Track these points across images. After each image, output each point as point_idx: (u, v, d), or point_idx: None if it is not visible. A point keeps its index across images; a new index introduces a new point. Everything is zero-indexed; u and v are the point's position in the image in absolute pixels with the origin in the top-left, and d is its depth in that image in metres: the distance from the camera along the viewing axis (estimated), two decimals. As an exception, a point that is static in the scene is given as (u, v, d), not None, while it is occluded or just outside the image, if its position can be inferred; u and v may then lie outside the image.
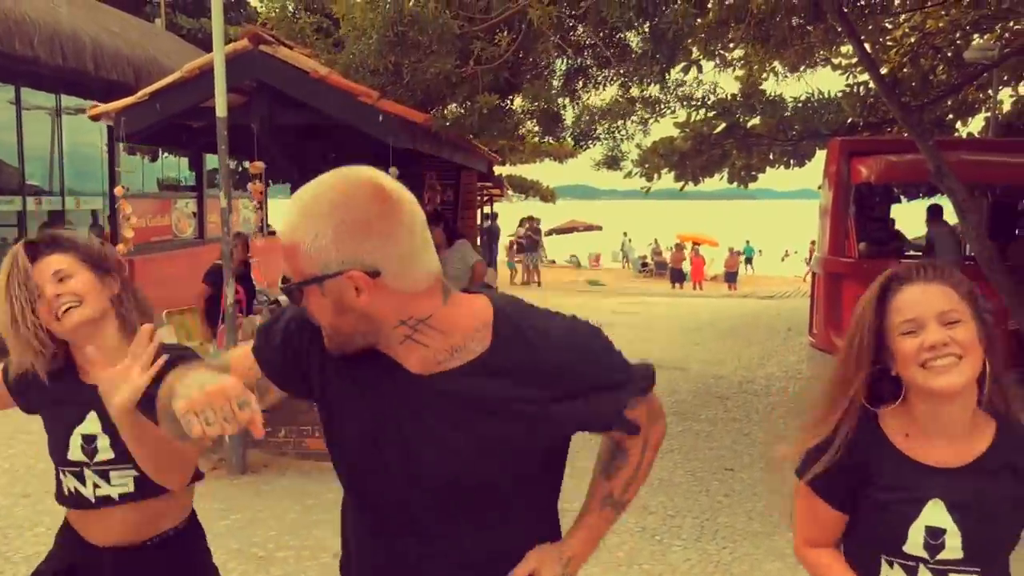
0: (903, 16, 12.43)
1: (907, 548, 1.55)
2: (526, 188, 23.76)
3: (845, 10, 8.65)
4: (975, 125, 15.48)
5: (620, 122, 8.29)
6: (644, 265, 32.12)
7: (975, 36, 12.52)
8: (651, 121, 8.39)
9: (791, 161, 14.31)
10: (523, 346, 1.37)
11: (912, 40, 12.76)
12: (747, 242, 32.80)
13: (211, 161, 15.32)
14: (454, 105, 6.25)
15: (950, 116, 14.21)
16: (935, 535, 1.54)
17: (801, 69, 13.02)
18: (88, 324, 1.88)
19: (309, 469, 5.42)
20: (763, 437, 6.36)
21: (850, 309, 8.03)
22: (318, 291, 1.31)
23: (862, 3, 9.43)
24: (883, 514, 1.58)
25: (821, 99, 9.64)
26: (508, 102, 6.17)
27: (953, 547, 1.53)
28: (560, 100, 7.33)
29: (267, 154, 5.65)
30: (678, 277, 26.70)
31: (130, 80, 11.46)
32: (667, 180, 13.26)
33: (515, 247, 22.99)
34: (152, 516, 1.95)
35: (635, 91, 8.12)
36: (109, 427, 1.82)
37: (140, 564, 1.95)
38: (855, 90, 12.43)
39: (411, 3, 5.03)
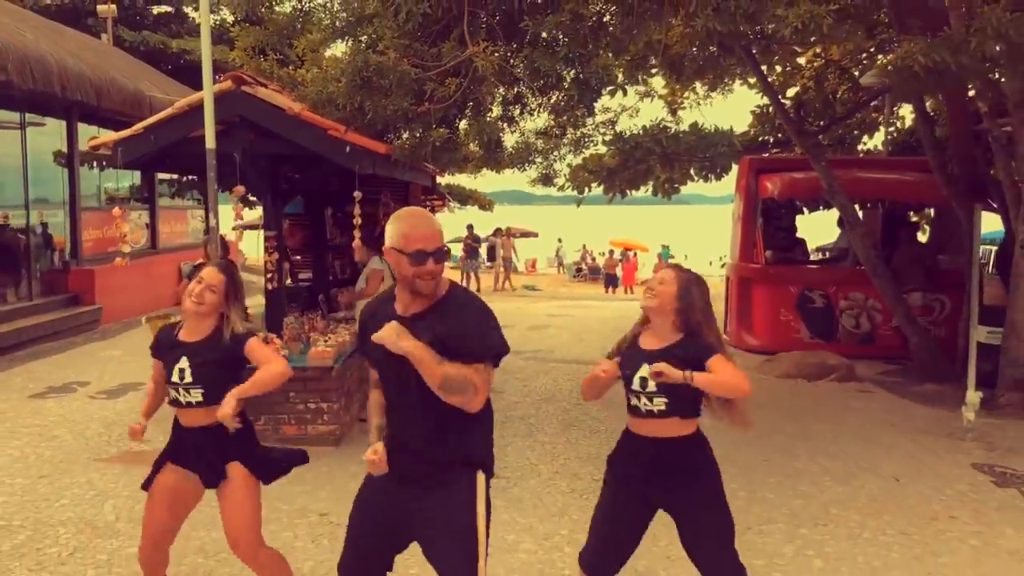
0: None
1: (633, 387, 3.23)
2: (465, 197, 24.65)
3: (750, 46, 9.84)
4: (877, 140, 16.80)
5: (552, 144, 9.35)
6: (579, 270, 33.34)
7: (880, 57, 13.80)
8: (585, 146, 9.49)
9: (709, 175, 15.50)
10: (457, 305, 2.86)
11: (816, 65, 14.01)
12: (663, 246, 34.12)
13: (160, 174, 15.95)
14: (406, 136, 7.19)
15: (855, 132, 15.57)
16: (643, 382, 3.21)
17: (718, 91, 14.28)
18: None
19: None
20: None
21: (759, 310, 9.48)
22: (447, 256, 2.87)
23: (763, 38, 10.55)
24: (626, 371, 3.27)
25: (725, 132, 10.75)
26: (455, 133, 7.13)
27: (652, 385, 3.18)
28: (500, 125, 8.33)
29: (246, 179, 6.50)
30: (611, 281, 27.94)
31: (92, 100, 12.12)
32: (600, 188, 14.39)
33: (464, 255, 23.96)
34: (209, 414, 3.38)
35: (564, 119, 9.18)
36: (192, 365, 3.40)
37: (205, 436, 3.44)
38: (764, 110, 13.68)
39: (375, 57, 5.97)
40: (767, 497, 5.51)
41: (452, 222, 27.53)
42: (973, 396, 6.92)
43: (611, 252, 30.87)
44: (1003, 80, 7.12)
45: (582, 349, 11.30)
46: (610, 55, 6.70)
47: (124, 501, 5.30)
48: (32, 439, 6.69)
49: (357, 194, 6.56)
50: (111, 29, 19.72)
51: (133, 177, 15.72)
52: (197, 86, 6.77)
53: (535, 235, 39.88)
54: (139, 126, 6.37)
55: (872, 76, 13.50)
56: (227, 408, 3.24)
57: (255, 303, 8.01)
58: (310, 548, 4.61)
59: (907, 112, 15.99)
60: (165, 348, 3.53)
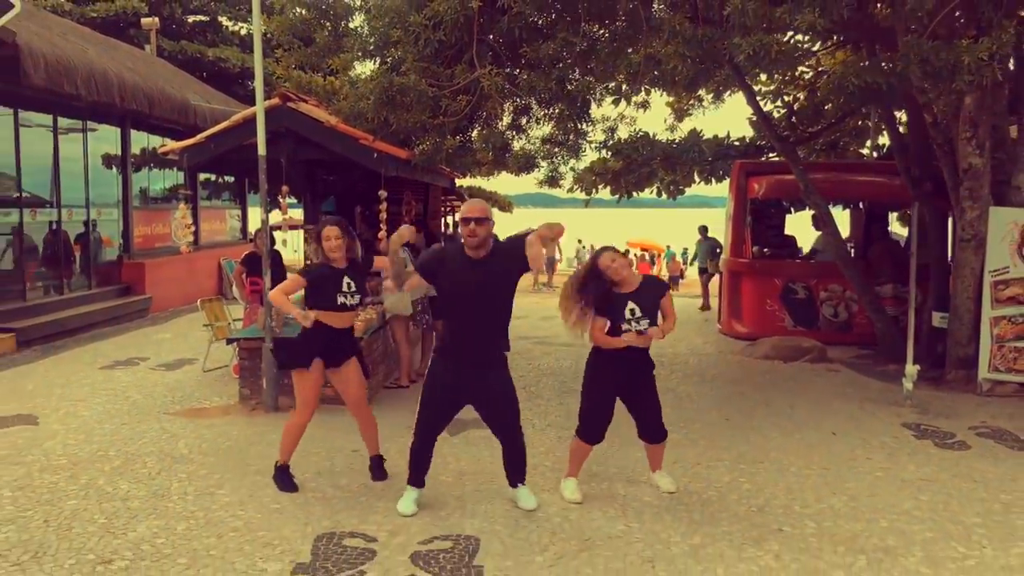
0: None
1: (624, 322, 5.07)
2: (484, 199, 25.87)
3: (737, 62, 10.94)
4: (867, 146, 17.76)
5: (557, 150, 10.53)
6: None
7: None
8: (581, 152, 10.66)
9: (710, 177, 16.59)
10: (500, 246, 4.82)
11: (809, 76, 15.06)
12: (667, 246, 35.11)
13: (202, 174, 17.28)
14: (426, 144, 8.39)
15: (845, 139, 16.59)
16: (633, 311, 5.06)
17: (711, 100, 15.37)
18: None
19: (322, 410, 7.49)
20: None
21: (748, 301, 10.80)
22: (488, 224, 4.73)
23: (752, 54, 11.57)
24: (615, 311, 5.08)
25: (724, 140, 11.87)
26: (468, 140, 8.33)
27: (640, 316, 5.03)
28: (509, 134, 9.52)
29: (290, 180, 7.74)
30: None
31: (145, 108, 13.45)
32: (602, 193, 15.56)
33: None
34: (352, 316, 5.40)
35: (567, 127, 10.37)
36: (353, 281, 5.33)
37: (349, 337, 5.37)
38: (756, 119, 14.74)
39: (399, 79, 7.18)
40: (720, 444, 6.64)
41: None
42: (911, 368, 8.02)
43: (626, 252, 31.97)
44: (931, 98, 8.19)
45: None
46: (590, 78, 7.85)
47: (192, 441, 6.54)
48: (110, 398, 7.96)
49: (382, 193, 7.77)
50: (155, 40, 21.05)
51: (166, 179, 17.04)
52: (232, 92, 8.06)
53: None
54: (201, 136, 7.63)
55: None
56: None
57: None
58: (346, 472, 5.80)
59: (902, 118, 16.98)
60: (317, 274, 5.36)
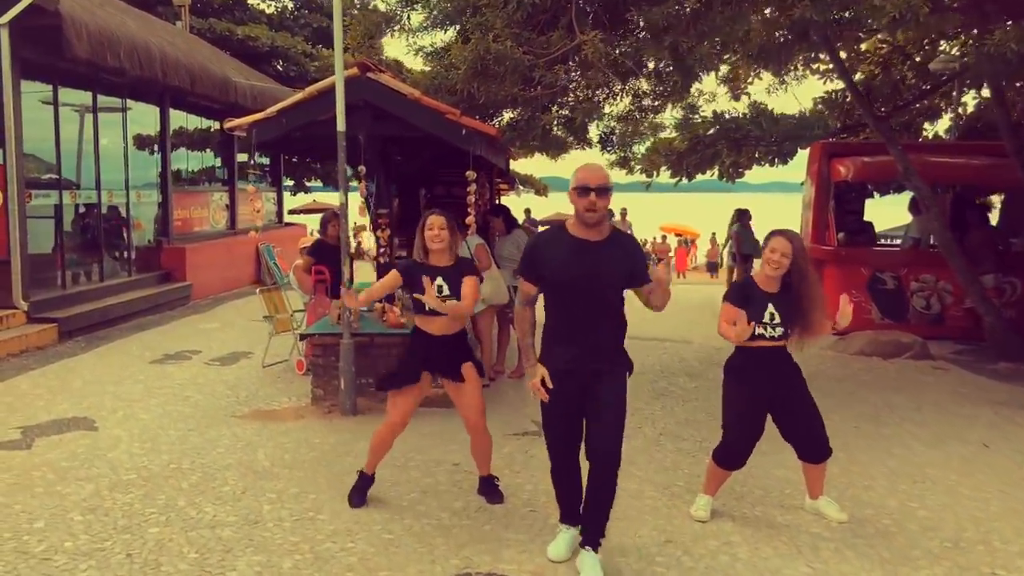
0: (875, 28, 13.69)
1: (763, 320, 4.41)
2: (522, 182, 25.11)
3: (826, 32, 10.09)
4: (941, 126, 16.91)
5: (632, 128, 9.73)
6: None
7: (943, 43, 13.92)
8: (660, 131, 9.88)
9: (775, 159, 15.72)
10: (620, 237, 3.92)
11: (884, 50, 14.17)
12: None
13: (239, 156, 16.58)
14: (510, 117, 7.62)
15: (919, 119, 15.73)
16: (771, 316, 4.43)
17: (787, 79, 14.50)
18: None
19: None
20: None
21: (831, 290, 9.82)
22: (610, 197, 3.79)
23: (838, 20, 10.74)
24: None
25: (810, 116, 11.03)
26: (561, 118, 7.56)
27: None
28: (605, 110, 8.75)
29: (365, 159, 6.99)
30: (664, 266, 28.18)
31: (187, 85, 12.72)
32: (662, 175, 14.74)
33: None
34: (452, 322, 4.63)
35: (647, 102, 9.57)
36: (448, 282, 4.57)
37: (455, 344, 4.68)
38: (833, 96, 13.89)
39: (495, 45, 6.40)
40: (861, 458, 5.89)
41: (514, 205, 28.00)
42: (1055, 370, 7.22)
43: (664, 237, 31.12)
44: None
45: (655, 327, 11.65)
46: (707, 45, 7.05)
47: (272, 451, 5.83)
48: (168, 398, 7.28)
49: (471, 173, 7.00)
50: (187, 18, 20.32)
51: (204, 160, 16.35)
52: (262, 71, 7.30)
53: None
54: (272, 110, 6.88)
55: (941, 62, 13.68)
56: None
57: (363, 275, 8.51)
58: (454, 491, 5.08)
59: (970, 99, 16.12)
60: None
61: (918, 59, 14.20)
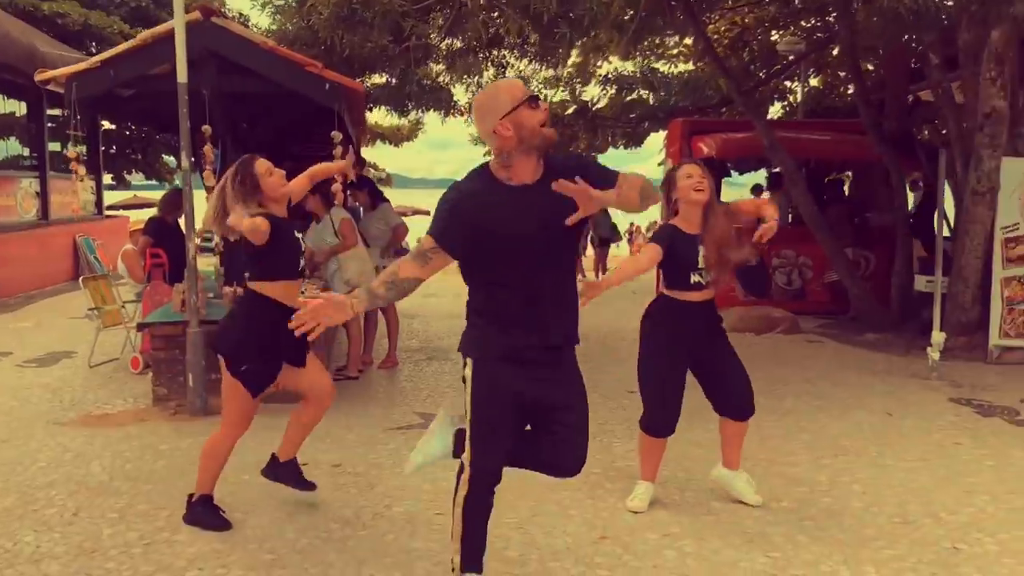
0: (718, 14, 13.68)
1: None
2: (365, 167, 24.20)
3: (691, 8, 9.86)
4: (775, 110, 17.31)
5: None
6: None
7: (779, 32, 14.18)
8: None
9: (629, 142, 15.62)
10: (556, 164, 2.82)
11: (731, 35, 14.29)
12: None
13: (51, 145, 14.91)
14: (378, 76, 6.85)
15: (768, 99, 16.04)
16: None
17: (637, 58, 14.35)
18: None
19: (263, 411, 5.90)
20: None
21: None
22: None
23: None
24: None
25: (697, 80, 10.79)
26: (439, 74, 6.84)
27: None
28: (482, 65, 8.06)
29: (212, 120, 6.04)
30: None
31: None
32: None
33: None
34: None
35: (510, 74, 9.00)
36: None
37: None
38: (692, 74, 13.88)
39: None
40: (775, 432, 5.53)
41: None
42: (938, 336, 7.19)
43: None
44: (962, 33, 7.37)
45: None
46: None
47: (109, 461, 4.83)
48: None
49: (336, 134, 6.15)
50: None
51: (6, 146, 14.59)
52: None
53: (426, 213, 39.45)
54: (96, 59, 5.82)
55: (787, 43, 13.89)
56: None
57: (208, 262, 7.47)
58: (340, 497, 4.30)
59: (814, 81, 16.62)
60: None
61: (755, 47, 14.43)
